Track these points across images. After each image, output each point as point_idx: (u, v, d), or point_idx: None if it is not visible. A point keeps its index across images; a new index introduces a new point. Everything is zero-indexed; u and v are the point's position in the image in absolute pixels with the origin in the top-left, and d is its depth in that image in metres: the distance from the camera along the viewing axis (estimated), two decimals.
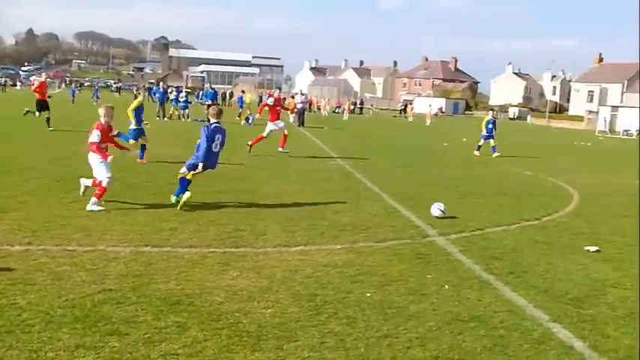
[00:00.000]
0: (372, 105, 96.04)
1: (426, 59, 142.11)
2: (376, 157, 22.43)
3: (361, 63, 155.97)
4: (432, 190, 14.61)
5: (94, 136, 10.51)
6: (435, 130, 48.20)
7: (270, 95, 22.66)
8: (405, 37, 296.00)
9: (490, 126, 25.71)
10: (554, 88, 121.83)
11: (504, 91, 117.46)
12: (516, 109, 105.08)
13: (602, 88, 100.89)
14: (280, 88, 78.02)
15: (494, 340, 5.70)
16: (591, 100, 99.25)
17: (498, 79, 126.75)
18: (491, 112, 28.98)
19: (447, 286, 7.17)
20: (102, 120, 10.82)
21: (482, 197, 14.06)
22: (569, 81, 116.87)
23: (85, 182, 10.79)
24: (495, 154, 24.83)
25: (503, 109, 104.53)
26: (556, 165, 23.48)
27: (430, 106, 71.99)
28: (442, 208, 11.16)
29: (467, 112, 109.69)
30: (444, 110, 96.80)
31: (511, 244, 9.56)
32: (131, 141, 15.08)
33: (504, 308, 6.57)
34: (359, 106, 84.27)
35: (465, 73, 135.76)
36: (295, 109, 39.93)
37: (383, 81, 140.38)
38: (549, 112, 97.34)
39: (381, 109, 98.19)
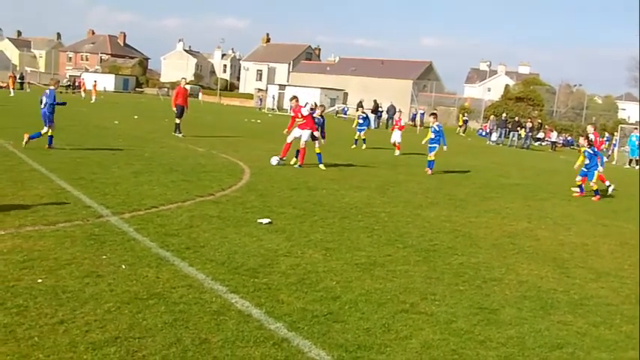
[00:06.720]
0: (29, 81, 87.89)
1: (93, 33, 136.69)
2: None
3: (19, 33, 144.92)
4: (103, 168, 14.15)
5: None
6: (103, 107, 46.67)
7: None
8: (68, 8, 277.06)
9: None
10: (225, 66, 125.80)
11: (175, 68, 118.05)
12: (188, 87, 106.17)
13: (270, 67, 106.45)
14: None
15: (175, 315, 5.74)
16: (260, 79, 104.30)
17: (169, 55, 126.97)
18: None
19: (124, 266, 7.03)
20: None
21: (155, 174, 13.97)
22: (239, 59, 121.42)
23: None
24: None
25: (175, 86, 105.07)
26: (228, 141, 24.26)
27: (95, 81, 69.19)
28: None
29: (137, 89, 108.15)
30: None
31: (186, 220, 9.67)
32: None
33: (183, 283, 6.63)
34: (19, 80, 77.58)
35: (134, 49, 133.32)
36: None
37: (45, 54, 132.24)
38: (220, 90, 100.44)
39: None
